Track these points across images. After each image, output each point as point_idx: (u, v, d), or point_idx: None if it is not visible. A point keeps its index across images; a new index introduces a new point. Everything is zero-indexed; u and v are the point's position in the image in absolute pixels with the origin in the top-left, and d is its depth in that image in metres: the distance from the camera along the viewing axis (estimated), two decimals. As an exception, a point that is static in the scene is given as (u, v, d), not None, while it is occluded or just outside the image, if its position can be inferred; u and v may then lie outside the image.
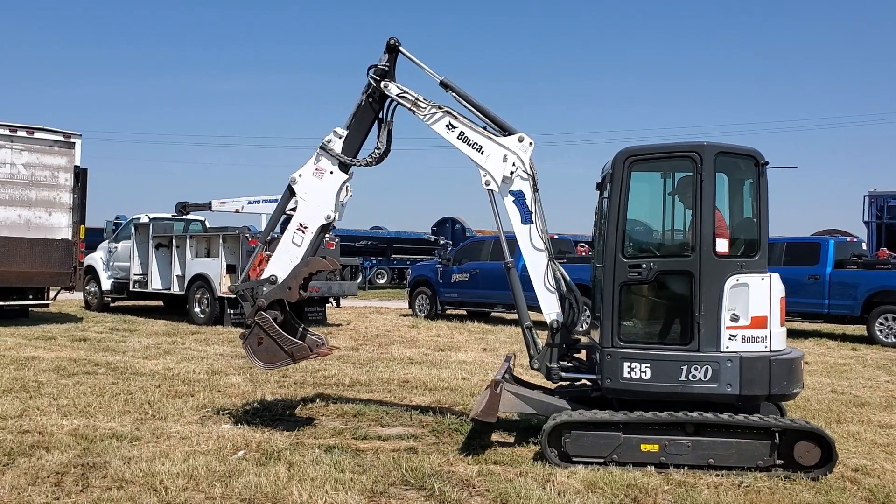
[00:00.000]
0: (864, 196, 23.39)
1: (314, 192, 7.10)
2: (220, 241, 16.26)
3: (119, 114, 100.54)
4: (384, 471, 5.76)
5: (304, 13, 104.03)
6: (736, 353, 5.86)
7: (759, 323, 5.89)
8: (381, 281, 34.81)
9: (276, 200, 19.37)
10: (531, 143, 6.81)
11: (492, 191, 6.87)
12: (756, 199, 6.16)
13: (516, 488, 5.35)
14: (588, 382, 6.78)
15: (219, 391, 8.85)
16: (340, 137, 7.10)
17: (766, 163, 6.08)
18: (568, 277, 6.78)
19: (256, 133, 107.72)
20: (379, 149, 7.24)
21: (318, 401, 8.39)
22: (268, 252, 7.61)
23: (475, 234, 31.24)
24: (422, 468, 5.80)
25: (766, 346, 5.89)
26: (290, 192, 7.21)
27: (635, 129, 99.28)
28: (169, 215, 20.19)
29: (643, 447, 5.86)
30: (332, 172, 7.10)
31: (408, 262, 34.46)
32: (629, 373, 6.04)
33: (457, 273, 18.50)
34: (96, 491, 5.24)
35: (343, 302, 18.99)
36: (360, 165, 7.18)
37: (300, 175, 7.15)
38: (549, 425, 6.01)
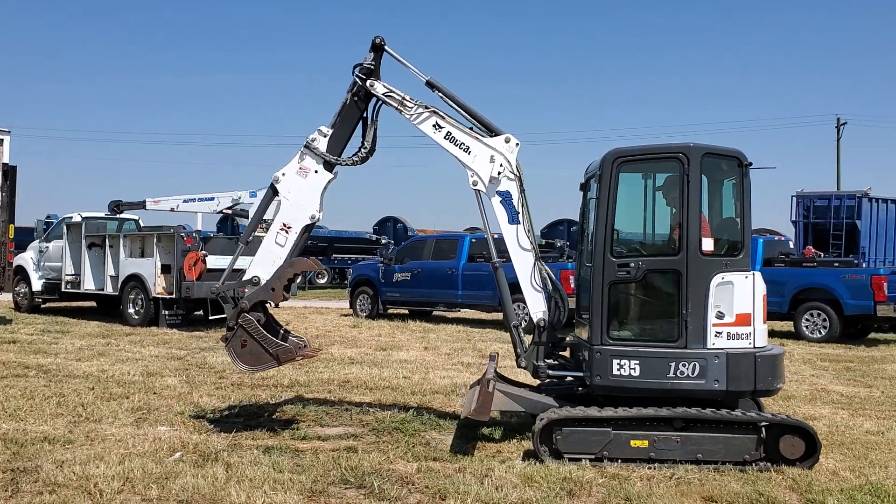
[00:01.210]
0: (792, 196, 24.13)
1: (298, 191, 7.01)
2: (155, 240, 15.95)
3: (50, 110, 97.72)
4: (323, 470, 5.76)
5: (250, 9, 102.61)
6: (722, 349, 6.01)
7: (744, 320, 6.07)
8: (322, 281, 34.53)
9: (211, 199, 19.34)
10: (517, 144, 6.89)
11: (479, 191, 6.91)
12: (740, 199, 6.33)
13: (455, 484, 5.42)
14: (573, 379, 6.89)
15: (154, 393, 8.72)
16: (325, 136, 7.04)
17: (750, 164, 6.27)
18: (554, 277, 6.89)
19: (196, 130, 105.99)
20: (365, 148, 7.19)
21: (256, 402, 8.34)
22: (249, 257, 7.39)
23: (417, 234, 31.25)
24: (361, 467, 5.83)
25: (750, 343, 6.07)
26: (273, 192, 7.12)
27: (602, 129, 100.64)
28: (102, 214, 19.71)
29: (633, 443, 5.98)
30: (316, 171, 7.03)
31: (349, 262, 34.25)
32: (618, 370, 6.15)
33: (399, 272, 18.50)
34: (27, 496, 5.14)
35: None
36: (346, 164, 7.13)
37: (283, 174, 7.06)
38: (540, 423, 6.08)
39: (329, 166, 7.05)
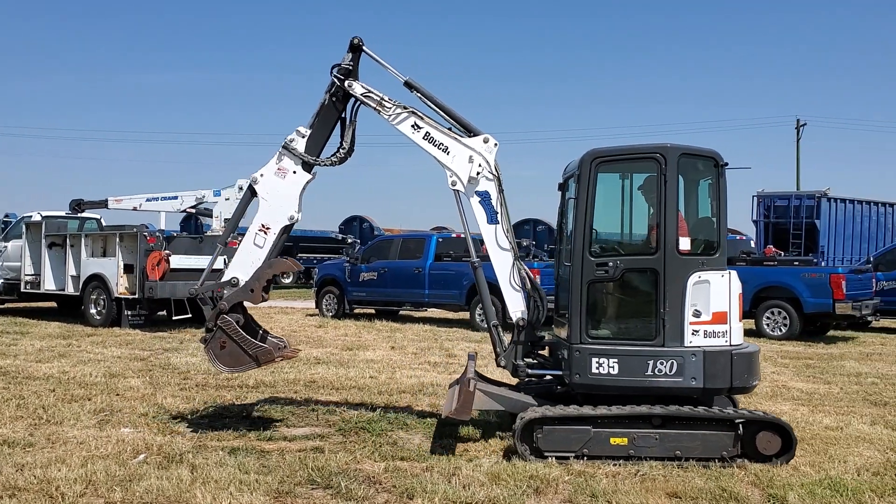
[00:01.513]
0: (753, 196, 24.54)
1: (276, 192, 6.98)
2: (118, 239, 15.73)
3: (8, 107, 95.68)
4: (290, 471, 5.73)
5: (205, 8, 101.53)
6: (699, 347, 6.09)
7: (720, 318, 6.15)
8: (287, 280, 34.29)
9: (175, 198, 19.15)
10: (496, 145, 6.92)
11: (458, 191, 6.92)
12: (716, 198, 6.41)
13: (422, 483, 5.43)
14: (552, 378, 6.93)
15: (117, 394, 8.60)
16: (304, 136, 7.01)
17: (727, 164, 6.35)
18: (532, 276, 6.93)
19: (161, 128, 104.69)
20: (343, 148, 7.16)
21: (220, 403, 8.27)
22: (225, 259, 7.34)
23: (383, 233, 31.19)
24: (328, 467, 5.81)
25: (726, 341, 6.15)
26: (252, 192, 7.07)
27: (566, 130, 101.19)
28: (63, 213, 19.39)
29: (613, 441, 6.03)
30: (294, 172, 7.00)
31: (314, 261, 34.03)
32: (597, 368, 6.19)
33: (365, 272, 18.44)
34: (-14, 500, 5.04)
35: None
36: (324, 165, 7.10)
37: (262, 175, 7.02)
38: (521, 421, 6.09)
39: (307, 167, 7.02)
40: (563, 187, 7.27)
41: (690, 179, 6.59)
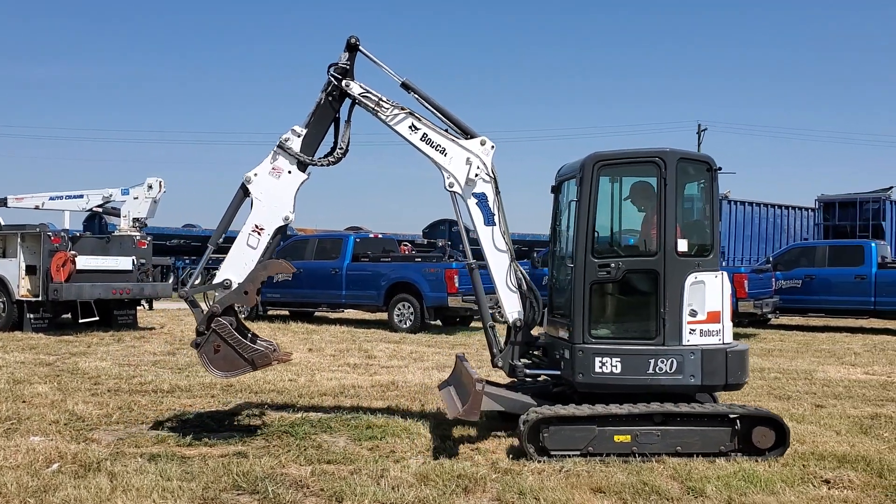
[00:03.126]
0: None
1: (271, 192, 6.83)
2: (19, 239, 15.04)
3: None
4: (214, 477, 5.60)
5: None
6: (697, 346, 6.27)
7: (714, 317, 6.35)
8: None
9: (80, 196, 18.40)
10: (493, 147, 6.94)
11: (455, 193, 6.92)
12: (709, 202, 6.62)
13: (351, 485, 5.40)
14: (548, 378, 7.01)
15: (24, 401, 8.22)
16: (299, 136, 6.88)
17: (719, 168, 6.56)
18: (528, 277, 7.00)
19: (66, 125, 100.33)
20: (341, 149, 7.08)
21: (136, 408, 8.02)
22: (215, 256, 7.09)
23: (297, 233, 30.76)
24: (253, 472, 5.70)
25: (720, 339, 6.36)
26: (244, 192, 6.89)
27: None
28: (-43, 213, 18.41)
29: (616, 438, 6.13)
30: (290, 172, 6.86)
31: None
32: (600, 367, 6.31)
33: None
34: None
35: (155, 304, 18.12)
36: (320, 165, 7.00)
37: (255, 174, 6.85)
38: (529, 421, 6.13)
39: (303, 167, 6.92)
40: (556, 190, 7.40)
41: (683, 183, 6.77)
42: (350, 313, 19.10)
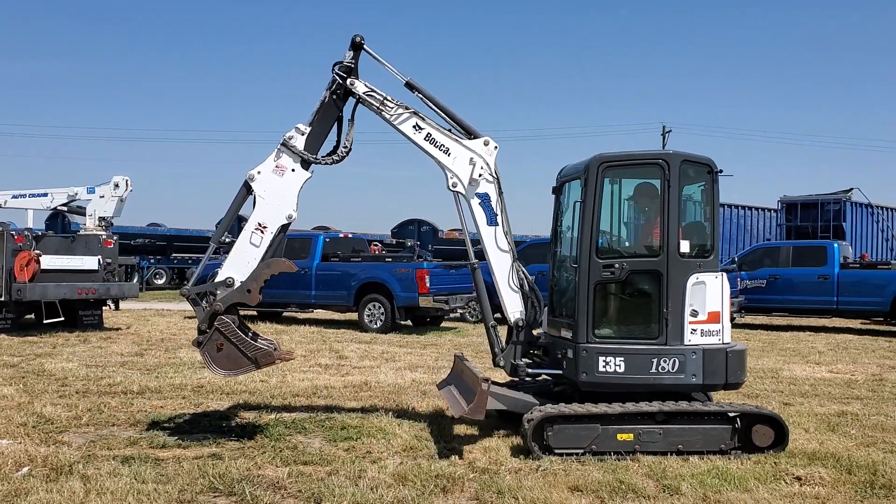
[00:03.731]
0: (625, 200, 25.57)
1: (274, 190, 6.79)
2: (-20, 239, 14.71)
3: None
4: (189, 479, 5.55)
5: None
6: (698, 345, 6.37)
7: (715, 318, 6.46)
8: (160, 281, 33.04)
9: (45, 195, 18.09)
10: (496, 147, 6.98)
11: (458, 193, 6.94)
12: (709, 203, 6.71)
13: (329, 487, 5.38)
14: (549, 377, 7.07)
15: (-11, 404, 8.06)
16: (303, 134, 6.85)
17: (720, 171, 6.65)
18: (530, 277, 7.04)
19: (27, 122, 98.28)
20: (345, 148, 7.06)
21: (106, 410, 7.90)
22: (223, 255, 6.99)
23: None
24: (229, 474, 5.66)
25: (720, 339, 6.46)
26: (247, 190, 6.83)
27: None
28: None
29: (619, 437, 6.21)
30: (293, 170, 6.84)
31: (189, 262, 32.97)
32: (604, 367, 6.39)
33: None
34: None
35: (122, 304, 17.87)
36: (324, 164, 6.97)
37: (259, 172, 6.81)
38: (534, 420, 6.17)
39: (306, 165, 6.89)
40: (557, 191, 7.46)
41: (684, 185, 6.83)
42: (319, 313, 19.00)
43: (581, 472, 5.82)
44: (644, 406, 6.26)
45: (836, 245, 18.19)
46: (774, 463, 6.11)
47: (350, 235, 20.36)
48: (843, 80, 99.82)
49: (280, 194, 6.84)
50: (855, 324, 19.28)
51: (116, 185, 16.59)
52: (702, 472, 5.81)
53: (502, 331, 7.10)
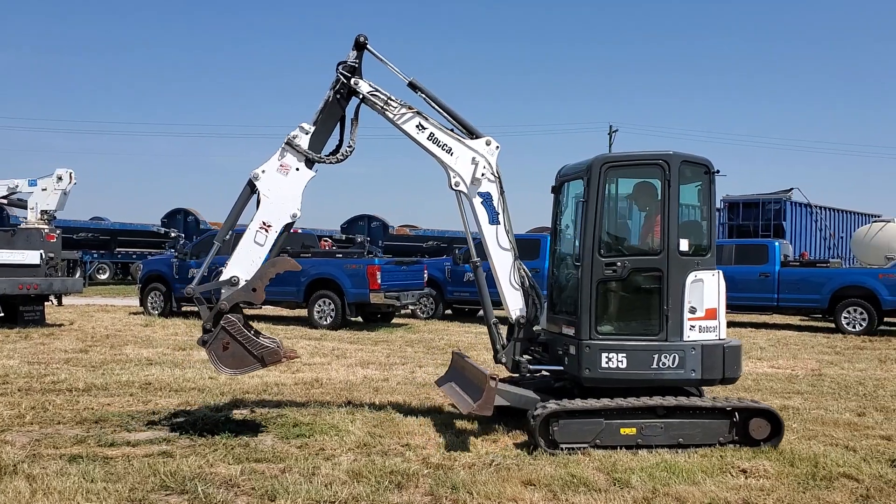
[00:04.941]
0: (578, 201, 25.85)
1: (279, 189, 6.77)
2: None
3: None
4: (140, 477, 5.47)
5: None
6: (697, 341, 6.54)
7: (712, 314, 6.64)
8: (103, 276, 32.41)
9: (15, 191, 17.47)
10: (497, 147, 7.05)
11: (460, 192, 6.99)
12: (707, 203, 6.84)
13: (283, 484, 5.35)
14: (550, 373, 7.16)
15: (-74, 403, 7.82)
16: (307, 133, 6.85)
17: (717, 171, 6.78)
18: (530, 275, 7.14)
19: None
20: (350, 147, 7.05)
21: (50, 408, 7.72)
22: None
23: (210, 227, 30.10)
24: (181, 472, 5.59)
25: (717, 335, 6.64)
26: (251, 189, 6.78)
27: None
28: None
29: (622, 431, 6.34)
30: (297, 169, 6.84)
31: (133, 256, 32.38)
32: (607, 363, 6.50)
33: (195, 268, 17.73)
34: None
35: (64, 300, 17.42)
36: (328, 163, 6.97)
37: (263, 171, 6.78)
38: (540, 415, 6.22)
39: (310, 164, 6.89)
40: (556, 190, 7.55)
41: (682, 184, 6.95)
42: (268, 309, 18.82)
43: (533, 466, 5.90)
44: (646, 400, 6.40)
45: (777, 244, 18.67)
46: (720, 456, 6.26)
47: (300, 231, 20.20)
48: (790, 79, 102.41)
49: (284, 193, 6.86)
50: (795, 320, 19.84)
51: (60, 178, 16.14)
52: (651, 465, 5.93)
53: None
